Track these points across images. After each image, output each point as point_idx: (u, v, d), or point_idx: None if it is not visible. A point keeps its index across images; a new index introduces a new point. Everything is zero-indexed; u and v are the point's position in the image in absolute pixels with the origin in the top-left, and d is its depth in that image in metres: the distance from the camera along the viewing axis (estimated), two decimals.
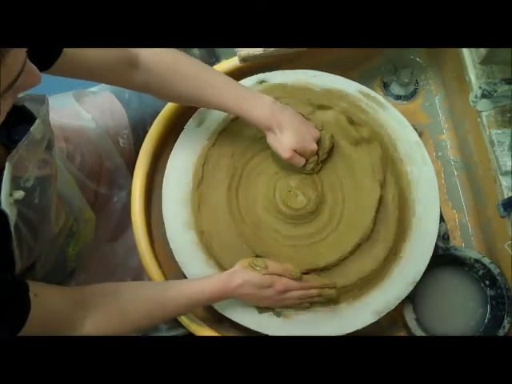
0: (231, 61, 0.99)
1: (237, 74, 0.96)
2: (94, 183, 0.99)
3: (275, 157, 0.90)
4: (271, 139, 0.85)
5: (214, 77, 0.84)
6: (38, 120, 0.64)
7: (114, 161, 1.01)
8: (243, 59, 0.98)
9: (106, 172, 1.01)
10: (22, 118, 0.65)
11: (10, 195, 0.61)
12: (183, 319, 0.86)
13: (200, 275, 0.85)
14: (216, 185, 0.90)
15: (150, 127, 0.97)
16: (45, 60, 0.68)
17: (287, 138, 0.84)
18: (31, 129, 0.63)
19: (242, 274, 0.80)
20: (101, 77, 0.80)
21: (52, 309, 0.68)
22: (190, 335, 0.87)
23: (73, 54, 0.71)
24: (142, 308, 0.76)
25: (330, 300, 0.84)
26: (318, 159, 0.88)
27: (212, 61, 1.01)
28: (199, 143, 0.93)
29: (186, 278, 0.87)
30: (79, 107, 0.99)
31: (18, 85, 0.52)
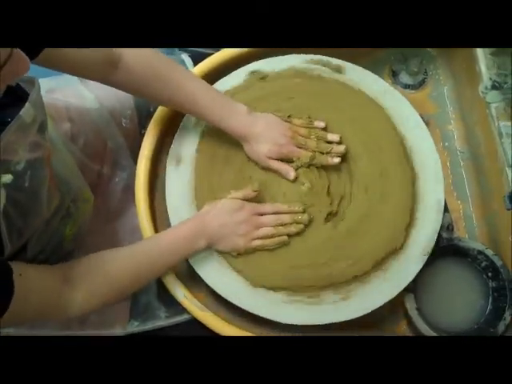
0: None
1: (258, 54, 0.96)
2: (97, 164, 0.99)
3: None
4: (247, 150, 0.88)
5: (192, 83, 0.85)
6: (27, 104, 0.63)
7: (116, 141, 1.00)
8: None
9: (109, 153, 1.00)
10: (14, 98, 0.64)
11: None
12: (185, 303, 0.86)
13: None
14: (221, 165, 0.90)
15: (153, 108, 0.97)
16: (31, 49, 0.67)
17: (261, 147, 0.86)
18: (21, 112, 0.62)
19: (211, 206, 0.84)
20: (82, 73, 0.81)
21: (39, 286, 0.68)
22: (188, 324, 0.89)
23: (56, 49, 0.71)
24: (127, 266, 0.78)
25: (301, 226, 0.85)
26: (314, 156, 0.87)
27: None
28: (204, 124, 0.92)
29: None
30: (82, 88, 0.99)
31: (6, 72, 0.51)
